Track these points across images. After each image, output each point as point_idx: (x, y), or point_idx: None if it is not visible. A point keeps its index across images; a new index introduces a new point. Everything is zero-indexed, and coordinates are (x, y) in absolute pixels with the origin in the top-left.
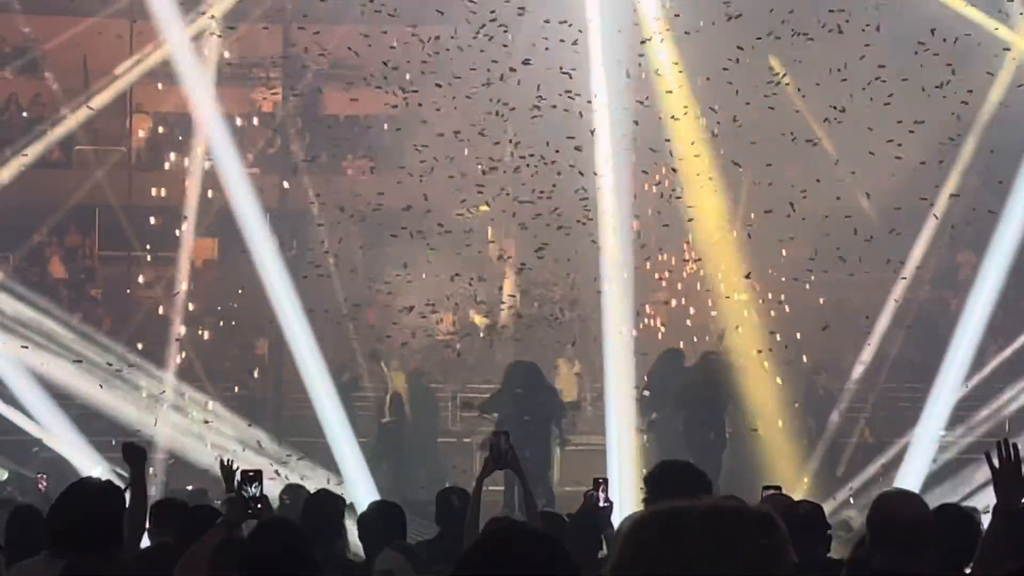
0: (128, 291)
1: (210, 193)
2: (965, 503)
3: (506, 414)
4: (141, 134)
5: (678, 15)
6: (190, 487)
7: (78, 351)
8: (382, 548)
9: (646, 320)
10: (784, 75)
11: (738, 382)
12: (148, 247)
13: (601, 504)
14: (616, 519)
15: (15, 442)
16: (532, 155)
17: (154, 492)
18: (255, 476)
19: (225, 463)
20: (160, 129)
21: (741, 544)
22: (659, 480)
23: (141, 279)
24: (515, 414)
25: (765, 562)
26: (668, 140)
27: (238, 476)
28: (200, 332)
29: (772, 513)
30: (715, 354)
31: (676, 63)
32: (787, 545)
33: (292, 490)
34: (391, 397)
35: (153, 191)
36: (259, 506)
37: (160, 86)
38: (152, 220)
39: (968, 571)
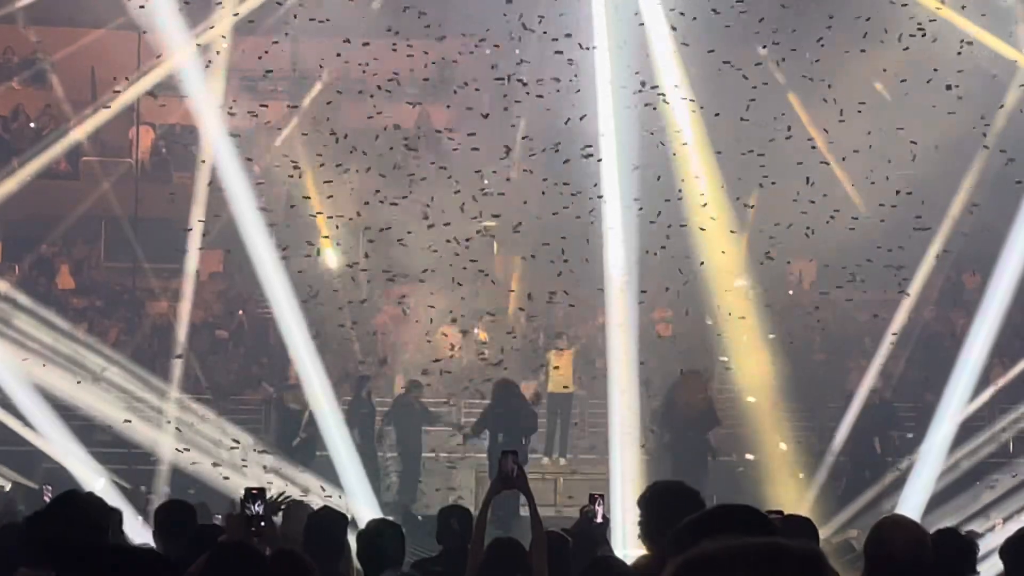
0: (134, 302)
1: (216, 205)
2: (968, 524)
3: (492, 431)
4: (148, 145)
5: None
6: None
7: (85, 363)
8: (380, 567)
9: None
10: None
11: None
12: (154, 259)
13: (597, 520)
14: (616, 536)
15: (19, 453)
16: (532, 166)
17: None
18: (258, 494)
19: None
20: (166, 141)
21: None
22: (652, 502)
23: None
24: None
25: None
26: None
27: (241, 494)
28: (205, 344)
29: (819, 552)
30: (696, 373)
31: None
32: None
33: (294, 507)
34: (307, 415)
35: (158, 203)
36: (262, 524)
37: (167, 98)
38: (157, 232)
39: None
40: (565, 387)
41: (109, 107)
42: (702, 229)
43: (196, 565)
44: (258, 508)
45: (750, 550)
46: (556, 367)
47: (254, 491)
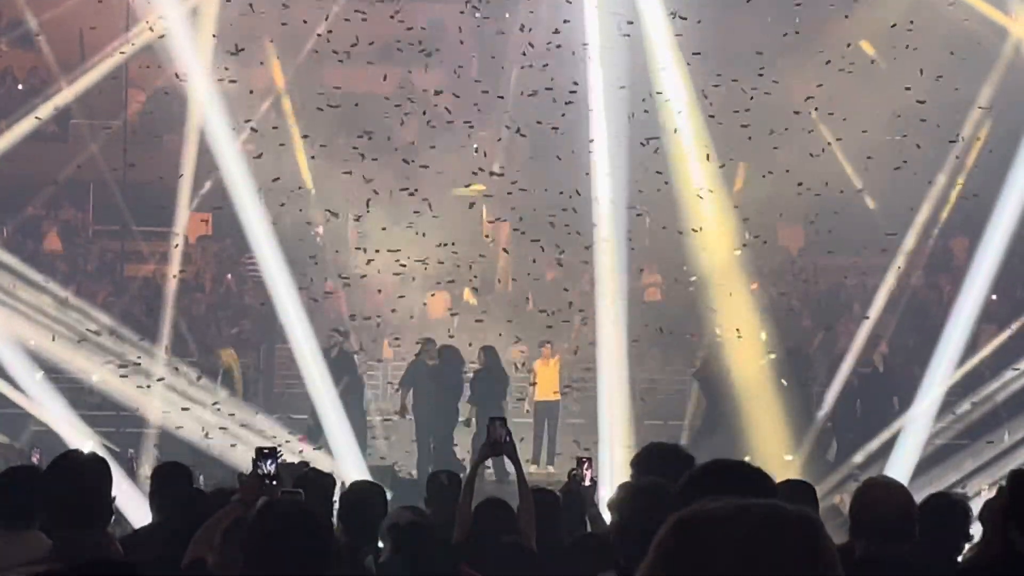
0: (122, 265)
1: (205, 168)
2: (955, 489)
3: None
4: (136, 108)
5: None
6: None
7: (71, 325)
8: (362, 529)
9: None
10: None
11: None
12: (142, 222)
13: (585, 483)
14: (604, 499)
15: (6, 416)
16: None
17: (147, 470)
18: (270, 453)
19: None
20: (156, 104)
21: (781, 553)
22: (646, 462)
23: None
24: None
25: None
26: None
27: (253, 453)
28: (193, 307)
29: (816, 518)
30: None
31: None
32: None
33: (281, 469)
34: (222, 372)
35: (148, 166)
36: (274, 483)
37: (156, 60)
38: (146, 195)
39: (960, 559)
40: (553, 394)
41: (97, 69)
42: (700, 196)
43: (217, 520)
44: (270, 467)
45: (749, 511)
46: (545, 367)
47: (265, 450)
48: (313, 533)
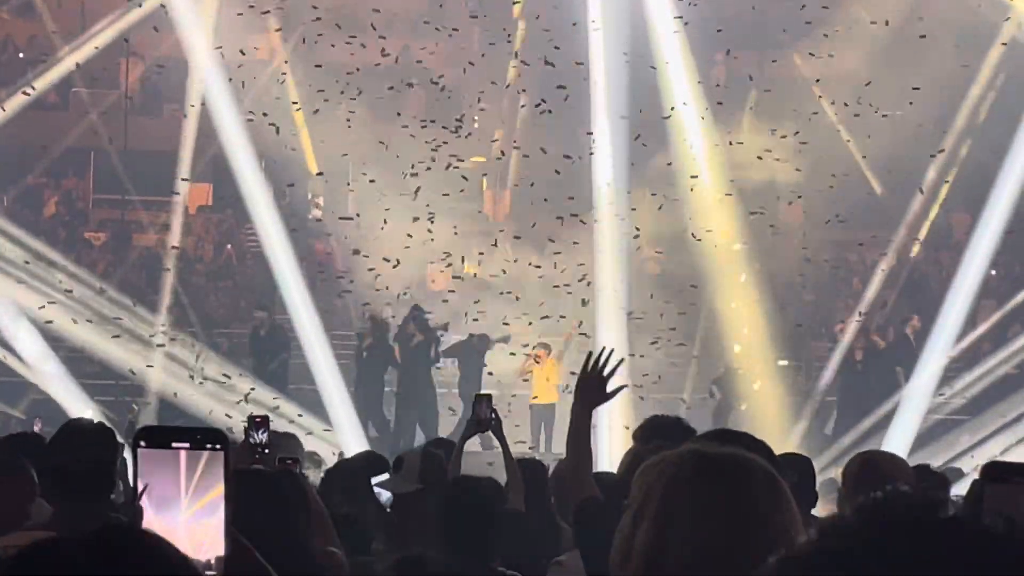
0: (122, 235)
1: (205, 139)
2: (952, 464)
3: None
4: (137, 78)
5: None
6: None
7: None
8: (362, 498)
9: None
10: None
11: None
12: (142, 191)
13: None
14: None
15: (5, 384)
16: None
17: None
18: (261, 422)
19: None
20: (157, 73)
21: (776, 502)
22: (648, 434)
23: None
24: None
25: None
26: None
27: (245, 422)
28: (193, 278)
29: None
30: None
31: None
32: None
33: (285, 440)
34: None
35: (148, 135)
36: (266, 451)
37: (157, 30)
38: (147, 164)
39: None
40: (551, 396)
41: (98, 38)
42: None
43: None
44: (261, 436)
45: (751, 461)
46: (542, 369)
47: (257, 419)
48: (285, 502)
